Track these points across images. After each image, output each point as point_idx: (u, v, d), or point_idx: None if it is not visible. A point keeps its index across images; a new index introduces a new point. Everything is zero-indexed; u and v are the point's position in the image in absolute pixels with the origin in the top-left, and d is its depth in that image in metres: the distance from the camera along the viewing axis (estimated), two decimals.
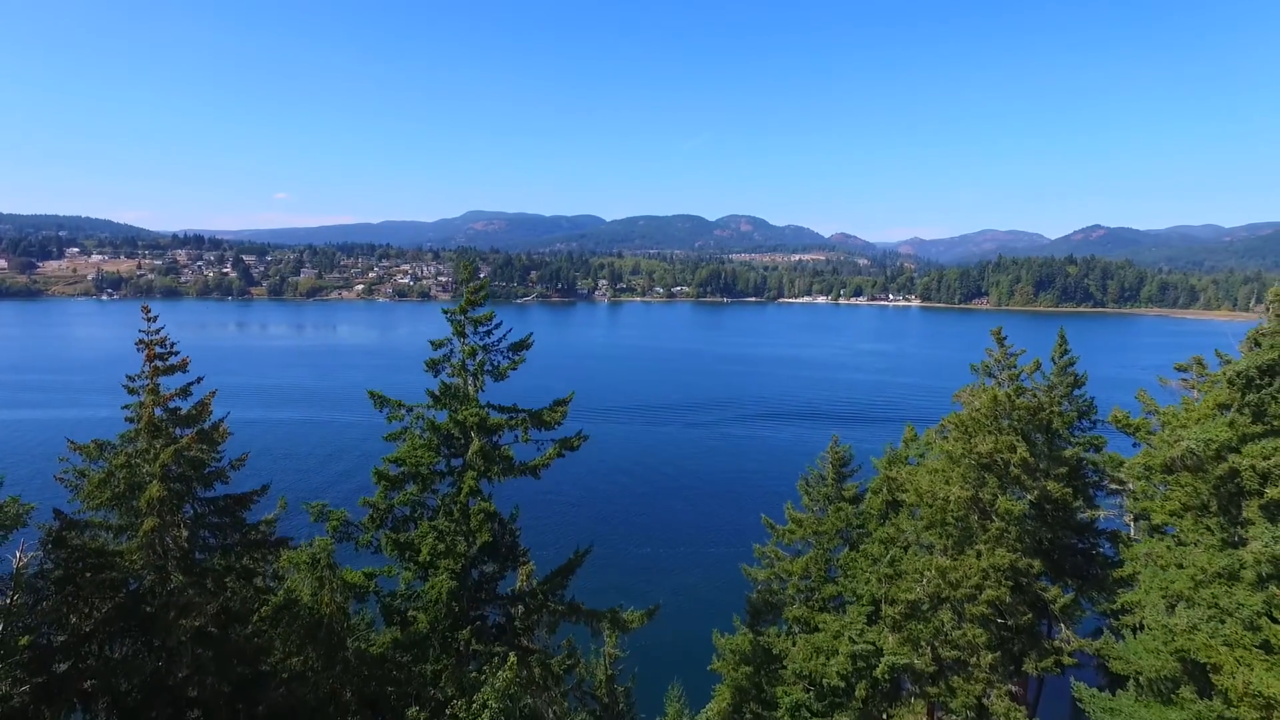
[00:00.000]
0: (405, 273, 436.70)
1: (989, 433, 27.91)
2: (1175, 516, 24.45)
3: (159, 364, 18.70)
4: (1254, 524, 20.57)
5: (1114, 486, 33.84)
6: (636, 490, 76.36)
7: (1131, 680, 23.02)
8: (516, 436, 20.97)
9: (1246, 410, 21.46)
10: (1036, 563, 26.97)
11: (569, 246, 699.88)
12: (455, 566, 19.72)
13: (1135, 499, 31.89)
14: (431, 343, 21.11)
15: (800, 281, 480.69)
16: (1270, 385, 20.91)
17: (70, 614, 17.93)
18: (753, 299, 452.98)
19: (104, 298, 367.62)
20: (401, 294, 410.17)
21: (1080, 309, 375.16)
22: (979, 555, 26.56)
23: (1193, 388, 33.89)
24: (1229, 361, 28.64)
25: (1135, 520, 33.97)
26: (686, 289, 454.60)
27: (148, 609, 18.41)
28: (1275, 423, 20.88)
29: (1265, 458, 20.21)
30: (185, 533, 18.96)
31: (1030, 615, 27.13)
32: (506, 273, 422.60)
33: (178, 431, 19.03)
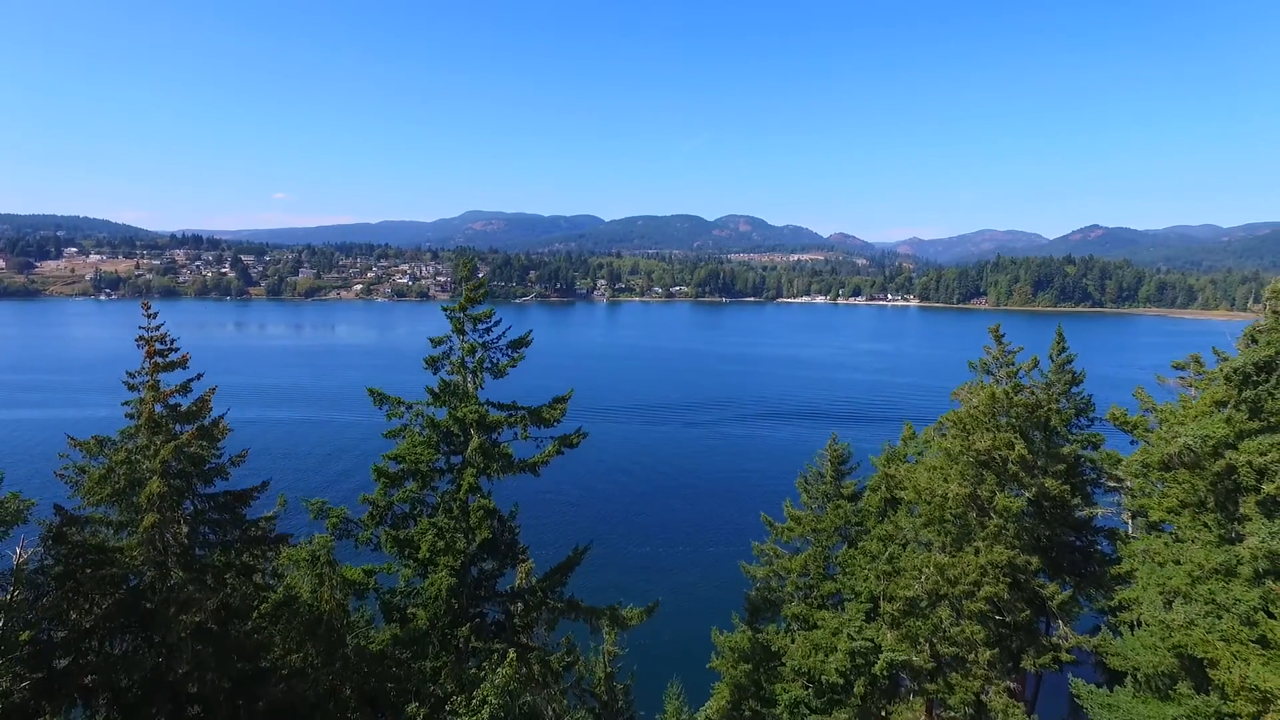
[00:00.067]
0: (404, 273, 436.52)
1: (987, 430, 27.96)
2: (1173, 513, 24.52)
3: (159, 360, 18.72)
4: (1251, 520, 20.65)
5: (1112, 484, 33.87)
6: (636, 489, 76.42)
7: (1129, 676, 23.09)
8: (516, 434, 20.98)
9: (1243, 406, 21.53)
10: (1034, 560, 27.04)
11: (568, 246, 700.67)
12: (455, 563, 19.73)
13: (1133, 496, 31.91)
14: (431, 340, 21.11)
15: (799, 281, 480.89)
16: (1267, 381, 20.97)
17: (70, 610, 17.95)
18: (751, 299, 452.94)
19: (102, 298, 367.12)
20: (400, 294, 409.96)
21: (1078, 309, 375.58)
22: (977, 552, 26.62)
23: (1190, 385, 33.92)
24: (1226, 359, 28.71)
25: (1133, 517, 34.00)
26: (685, 289, 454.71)
27: (148, 605, 18.43)
28: (1272, 419, 20.95)
29: (1262, 454, 20.28)
30: (185, 529, 18.96)
31: (1028, 612, 27.19)
32: (505, 272, 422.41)
33: (178, 428, 19.04)
